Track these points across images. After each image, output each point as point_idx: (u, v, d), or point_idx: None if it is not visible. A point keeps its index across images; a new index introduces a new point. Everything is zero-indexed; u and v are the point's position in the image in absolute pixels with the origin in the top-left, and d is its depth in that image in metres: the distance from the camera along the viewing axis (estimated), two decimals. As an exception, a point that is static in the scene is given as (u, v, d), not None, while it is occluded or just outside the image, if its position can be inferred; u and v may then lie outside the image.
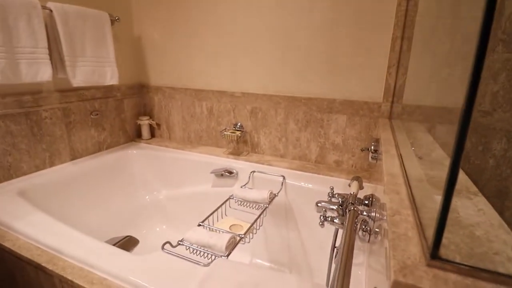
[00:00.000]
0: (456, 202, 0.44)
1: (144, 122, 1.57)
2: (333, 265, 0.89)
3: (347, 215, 0.66)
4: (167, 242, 0.75)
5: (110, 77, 1.28)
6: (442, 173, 0.55)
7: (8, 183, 1.06)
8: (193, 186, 1.41)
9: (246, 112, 1.36)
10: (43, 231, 0.78)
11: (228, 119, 1.42)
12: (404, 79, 1.05)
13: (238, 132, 1.36)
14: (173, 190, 1.46)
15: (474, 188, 0.50)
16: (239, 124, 1.40)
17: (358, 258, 0.70)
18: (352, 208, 0.65)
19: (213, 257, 0.76)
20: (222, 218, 1.01)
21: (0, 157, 1.04)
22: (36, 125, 1.14)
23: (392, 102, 1.07)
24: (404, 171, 0.56)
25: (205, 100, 1.44)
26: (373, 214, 0.62)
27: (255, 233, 0.92)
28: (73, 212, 1.17)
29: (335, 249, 0.87)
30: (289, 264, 1.21)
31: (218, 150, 1.44)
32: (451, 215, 0.36)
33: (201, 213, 1.37)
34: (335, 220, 0.76)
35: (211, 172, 1.33)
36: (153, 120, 1.60)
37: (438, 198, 0.44)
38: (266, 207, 1.00)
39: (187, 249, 0.80)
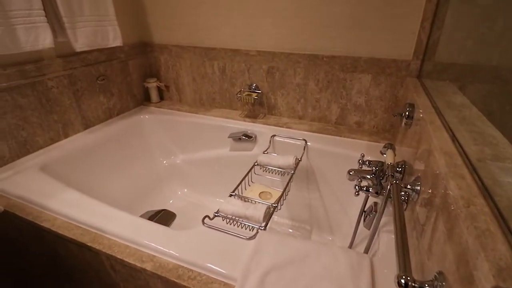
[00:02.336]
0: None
1: (152, 84, 1.49)
2: (360, 228, 0.94)
3: (389, 189, 0.67)
4: (206, 216, 0.77)
5: (113, 37, 1.17)
6: (500, 150, 0.53)
7: (26, 158, 1.04)
8: (210, 150, 1.40)
9: (262, 72, 1.29)
10: (79, 209, 0.79)
11: (242, 80, 1.34)
12: (439, 35, 0.97)
13: (254, 94, 1.30)
14: (190, 154, 1.45)
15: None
16: (254, 85, 1.33)
17: (392, 225, 0.73)
18: (394, 181, 0.65)
19: (250, 227, 0.79)
20: (249, 185, 1.02)
21: (14, 132, 1.00)
22: (44, 96, 1.07)
23: (423, 59, 1.01)
24: (459, 147, 0.54)
25: (217, 59, 1.35)
26: (417, 188, 0.62)
27: (285, 199, 0.94)
28: (97, 182, 1.18)
29: (364, 213, 0.90)
30: (309, 221, 1.27)
31: (233, 113, 1.40)
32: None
33: (220, 177, 1.39)
34: (370, 190, 0.77)
35: (229, 137, 1.31)
36: (160, 82, 1.52)
37: (508, 182, 0.43)
38: (293, 173, 1.00)
39: (223, 220, 0.82)
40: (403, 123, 0.85)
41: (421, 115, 0.79)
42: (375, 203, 0.87)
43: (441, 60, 0.97)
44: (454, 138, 0.58)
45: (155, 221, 0.75)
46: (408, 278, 0.43)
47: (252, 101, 1.31)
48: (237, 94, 1.32)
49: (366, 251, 0.76)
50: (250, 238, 0.70)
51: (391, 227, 0.72)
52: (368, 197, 0.88)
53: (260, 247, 0.65)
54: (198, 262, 0.64)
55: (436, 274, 0.43)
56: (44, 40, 0.96)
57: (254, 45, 1.25)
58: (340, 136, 1.18)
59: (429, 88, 0.89)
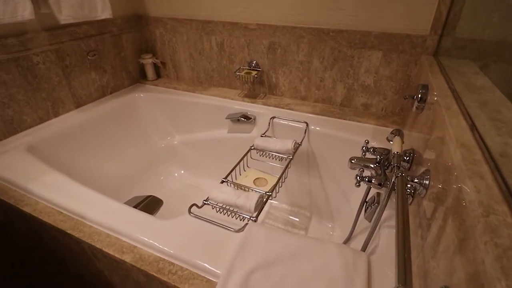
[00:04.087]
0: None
1: (148, 60, 1.41)
2: (360, 219, 0.88)
3: (393, 182, 0.60)
4: (194, 204, 0.72)
5: (102, 9, 1.08)
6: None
7: (14, 138, 1.00)
8: (208, 131, 1.34)
9: (263, 48, 1.19)
10: (62, 194, 0.75)
11: (241, 56, 1.25)
12: (462, 6, 0.84)
13: (254, 72, 1.21)
14: (187, 135, 1.39)
15: None
16: (254, 62, 1.24)
17: (392, 220, 0.66)
18: (399, 174, 0.57)
19: (240, 217, 0.74)
20: (244, 170, 0.96)
21: (-1, 110, 0.96)
22: (30, 72, 1.01)
23: (442, 35, 0.89)
24: (479, 139, 0.46)
25: (214, 34, 1.25)
26: (426, 182, 0.55)
27: (281, 187, 0.88)
28: (87, 164, 1.14)
29: (365, 204, 0.84)
30: (309, 207, 1.22)
31: (232, 92, 1.32)
32: None
33: (218, 159, 1.34)
34: (372, 180, 0.70)
35: (227, 118, 1.24)
36: (156, 59, 1.43)
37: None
38: (291, 159, 0.94)
39: (213, 209, 0.77)
40: (414, 106, 0.76)
41: (435, 98, 0.70)
42: (378, 194, 0.81)
43: (462, 35, 0.86)
44: (473, 127, 0.49)
45: (139, 209, 0.71)
46: (408, 292, 0.37)
47: (252, 80, 1.23)
48: (236, 72, 1.23)
49: (365, 245, 0.70)
50: (239, 230, 0.65)
51: (393, 222, 0.66)
52: (370, 187, 0.81)
53: (247, 241, 0.59)
54: (180, 255, 0.59)
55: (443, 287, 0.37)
56: (24, 11, 0.88)
57: (254, 17, 1.14)
58: (345, 119, 1.09)
59: (447, 68, 0.78)
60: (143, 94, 1.39)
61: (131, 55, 1.39)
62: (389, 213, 0.68)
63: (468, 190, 0.37)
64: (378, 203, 0.78)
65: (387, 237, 0.63)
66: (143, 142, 1.39)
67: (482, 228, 0.32)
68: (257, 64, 1.23)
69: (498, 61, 0.81)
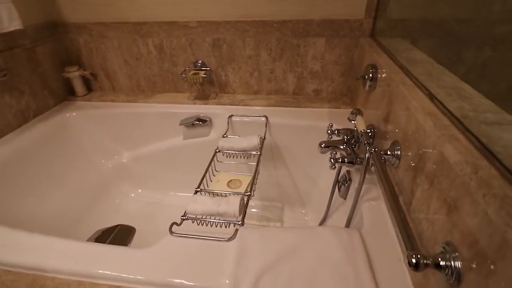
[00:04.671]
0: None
1: (74, 74, 1.23)
2: (334, 199, 0.92)
3: (367, 157, 0.63)
4: (173, 223, 0.65)
5: (8, 19, 0.89)
6: (477, 103, 0.52)
7: None
8: (160, 142, 1.25)
9: (207, 46, 1.14)
10: (4, 248, 0.61)
11: (185, 57, 1.18)
12: (388, -11, 0.93)
13: (202, 72, 1.15)
14: (137, 150, 1.27)
15: None
16: (200, 62, 1.18)
17: (372, 192, 0.71)
18: (373, 149, 0.61)
19: (225, 225, 0.70)
20: (214, 176, 0.92)
21: None
22: None
23: (375, 17, 0.97)
24: (440, 106, 0.51)
25: (151, 36, 1.15)
26: (398, 153, 0.59)
27: (255, 184, 0.86)
28: (23, 206, 0.95)
29: (338, 183, 0.88)
30: (280, 198, 1.23)
31: (180, 96, 1.24)
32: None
33: (177, 169, 1.25)
34: (345, 160, 0.73)
35: (181, 124, 1.16)
36: (84, 70, 1.26)
37: (500, 137, 0.41)
38: (260, 154, 0.93)
39: (193, 223, 0.71)
40: (367, 85, 0.82)
41: (384, 75, 0.76)
42: (348, 172, 0.85)
43: (392, 16, 0.95)
44: (431, 96, 0.55)
45: (109, 243, 0.61)
46: (419, 256, 0.39)
47: (201, 80, 1.17)
48: (181, 74, 1.16)
49: (348, 222, 0.73)
50: (230, 238, 0.61)
51: (372, 195, 0.70)
52: (341, 167, 0.85)
53: (243, 248, 0.57)
54: (174, 283, 0.54)
55: (444, 246, 0.40)
56: None
57: (194, 14, 1.08)
58: (301, 107, 1.12)
59: (387, 47, 0.86)
60: (75, 112, 1.21)
61: (51, 69, 1.19)
62: (366, 187, 0.72)
63: (450, 153, 0.41)
64: (350, 180, 0.82)
65: (369, 211, 0.67)
66: (86, 167, 1.22)
67: (476, 184, 0.35)
68: (203, 64, 1.18)
69: (425, 37, 0.92)
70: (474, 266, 0.34)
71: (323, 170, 1.11)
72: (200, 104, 1.19)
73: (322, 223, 0.99)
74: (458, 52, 0.86)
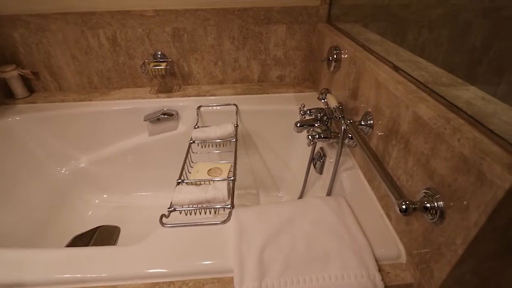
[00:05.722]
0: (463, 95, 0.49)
1: (11, 73, 1.08)
2: (310, 176, 0.97)
3: (344, 129, 0.68)
4: (162, 215, 0.63)
5: None
6: (433, 72, 0.60)
7: None
8: (123, 141, 1.17)
9: (166, 36, 1.10)
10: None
11: (142, 49, 1.12)
12: (339, -24, 1.00)
13: (163, 64, 1.11)
14: (97, 152, 1.17)
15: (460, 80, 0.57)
16: (159, 53, 1.13)
17: (347, 163, 0.77)
18: (348, 121, 0.66)
19: (214, 211, 0.70)
20: (191, 167, 0.90)
21: None
22: None
23: (330, 4, 1.04)
24: (406, 75, 0.58)
25: (101, 27, 1.06)
26: (370, 122, 0.66)
27: (236, 169, 0.87)
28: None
29: (313, 161, 0.93)
30: (254, 185, 1.25)
31: (141, 91, 1.18)
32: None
33: (145, 168, 1.19)
34: (321, 136, 0.78)
35: (146, 119, 1.11)
36: (23, 69, 1.12)
37: (457, 96, 0.48)
38: (236, 140, 0.93)
39: (180, 214, 0.70)
40: (332, 66, 0.88)
41: (346, 55, 0.82)
42: (322, 148, 0.91)
43: (345, 3, 1.03)
44: (396, 68, 0.61)
45: (92, 245, 0.57)
46: (408, 202, 0.44)
47: (163, 73, 1.12)
48: (141, 67, 1.10)
49: (329, 191, 0.79)
50: (225, 221, 0.61)
51: (347, 166, 0.76)
52: (315, 144, 0.90)
53: (242, 226, 0.58)
54: (175, 270, 0.52)
55: (426, 191, 0.47)
56: None
57: (150, 3, 1.03)
58: (268, 93, 1.15)
59: (345, 30, 0.93)
60: (18, 117, 1.07)
61: (-19, 69, 1.03)
62: (342, 160, 0.78)
63: (424, 111, 0.47)
64: (325, 156, 0.88)
65: (348, 180, 0.73)
66: (38, 177, 1.09)
67: (451, 132, 0.41)
68: (163, 55, 1.13)
69: (374, 21, 1.02)
70: (454, 202, 0.41)
71: (293, 152, 1.16)
72: (164, 97, 1.14)
73: (300, 198, 1.04)
74: (402, 34, 0.97)
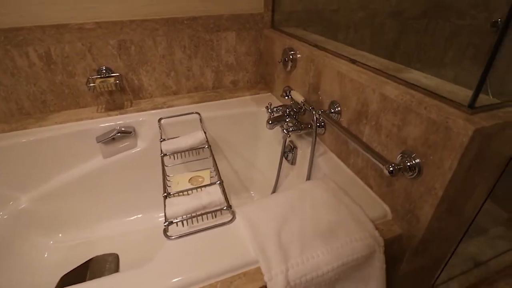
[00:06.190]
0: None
1: None
2: (283, 168, 1.04)
3: (317, 118, 0.77)
4: (165, 228, 0.61)
5: None
6: (381, 62, 0.72)
7: None
8: (72, 169, 1.04)
9: (111, 49, 1.03)
10: None
11: (84, 64, 1.02)
12: (277, -14, 1.11)
13: (112, 79, 1.03)
14: (41, 187, 1.01)
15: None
16: (104, 68, 1.05)
17: (319, 149, 0.86)
18: (320, 111, 0.75)
19: (212, 215, 0.70)
20: (169, 181, 0.87)
21: None
22: None
23: (273, 10, 1.14)
24: (363, 66, 0.69)
25: (31, 43, 0.94)
26: (338, 109, 0.76)
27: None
28: None
29: (285, 154, 1.00)
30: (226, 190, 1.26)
31: (85, 112, 1.07)
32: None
33: (104, 194, 1.09)
34: (295, 128, 0.85)
35: (99, 141, 1.01)
36: None
37: (411, 77, 0.61)
38: (210, 146, 0.93)
39: (177, 226, 0.67)
40: (289, 66, 0.97)
41: (300, 55, 0.92)
42: (291, 141, 0.99)
43: (286, 9, 1.14)
44: (353, 61, 0.73)
45: (89, 278, 0.52)
46: (393, 164, 0.54)
47: (113, 88, 1.04)
48: (87, 84, 1.00)
49: (308, 176, 0.86)
50: (231, 220, 0.63)
51: (320, 151, 0.85)
52: (286, 139, 0.97)
53: (251, 220, 0.60)
54: (200, 276, 0.52)
55: (402, 154, 0.58)
56: None
57: (89, 15, 0.95)
58: (225, 99, 1.18)
59: (292, 33, 1.03)
60: None
61: None
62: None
63: (390, 91, 0.58)
64: (296, 147, 0.96)
65: (325, 163, 0.82)
66: (-35, 228, 0.89)
67: (417, 103, 0.52)
68: (108, 69, 1.06)
69: (311, 24, 1.15)
70: (429, 157, 0.52)
71: (258, 153, 1.22)
72: (116, 115, 1.06)
73: (274, 191, 1.10)
74: (335, 34, 1.13)
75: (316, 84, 0.85)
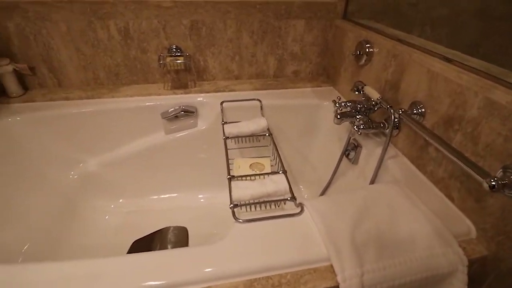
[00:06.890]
0: None
1: (5, 68, 0.95)
2: (342, 166, 1.00)
3: (394, 118, 0.72)
4: (233, 210, 0.61)
5: None
6: (475, 62, 0.64)
7: None
8: (137, 141, 1.10)
9: (183, 29, 1.05)
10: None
11: (157, 42, 1.06)
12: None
13: (181, 58, 1.05)
14: (108, 153, 1.09)
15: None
16: (174, 47, 1.08)
17: (390, 152, 0.81)
18: (399, 110, 0.70)
19: (275, 204, 0.69)
20: (232, 164, 0.87)
21: None
22: None
23: (347, 1, 1.08)
24: (459, 65, 0.63)
25: (113, 17, 0.98)
26: (422, 110, 0.70)
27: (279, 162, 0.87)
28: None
29: (346, 152, 0.96)
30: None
31: (153, 87, 1.11)
32: None
33: (163, 169, 1.14)
34: (366, 126, 0.81)
35: (164, 117, 1.05)
36: (18, 63, 0.99)
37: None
38: (271, 135, 0.92)
39: (241, 209, 0.68)
40: (363, 60, 0.91)
41: (378, 49, 0.86)
42: (354, 139, 0.94)
43: (361, 0, 1.07)
44: (449, 60, 0.66)
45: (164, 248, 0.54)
46: (495, 178, 0.48)
47: (182, 67, 1.07)
48: (159, 61, 1.04)
49: (373, 180, 0.82)
50: (300, 212, 0.61)
51: (391, 154, 0.80)
52: (350, 136, 0.93)
53: (324, 215, 0.58)
54: (270, 264, 0.51)
55: (503, 168, 0.51)
56: None
57: (169, -7, 0.97)
58: (286, 88, 1.16)
59: (368, 25, 0.97)
60: (17, 117, 0.95)
61: (-31, 63, 0.89)
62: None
63: (500, 96, 0.52)
64: (361, 146, 0.91)
65: (395, 166, 0.76)
66: (42, 181, 0.98)
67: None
68: (178, 49, 1.08)
69: (384, 18, 1.07)
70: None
71: (313, 147, 1.19)
72: (181, 94, 1.09)
73: (324, 191, 1.07)
74: (410, 30, 1.04)
75: (395, 81, 0.79)
